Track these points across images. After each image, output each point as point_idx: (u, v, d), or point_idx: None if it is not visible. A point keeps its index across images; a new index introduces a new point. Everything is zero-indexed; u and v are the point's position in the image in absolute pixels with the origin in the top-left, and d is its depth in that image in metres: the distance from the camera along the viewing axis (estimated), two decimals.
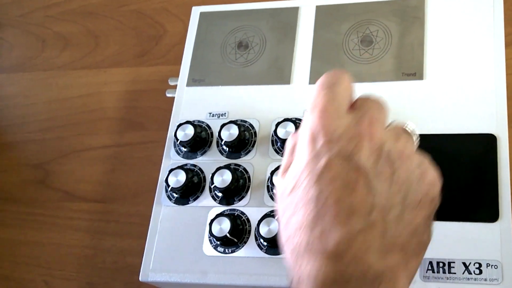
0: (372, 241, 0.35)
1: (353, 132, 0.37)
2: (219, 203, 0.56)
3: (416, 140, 0.42)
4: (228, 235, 0.52)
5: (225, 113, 0.60)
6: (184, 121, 0.59)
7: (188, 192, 0.57)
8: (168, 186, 0.56)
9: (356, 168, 0.36)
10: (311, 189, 0.36)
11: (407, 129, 0.41)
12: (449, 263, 0.48)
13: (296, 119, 0.57)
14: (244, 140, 0.58)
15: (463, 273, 0.48)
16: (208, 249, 0.54)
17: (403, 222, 0.36)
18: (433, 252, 0.49)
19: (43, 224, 0.72)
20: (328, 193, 0.35)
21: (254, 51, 0.63)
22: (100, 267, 0.68)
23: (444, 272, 0.48)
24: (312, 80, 0.59)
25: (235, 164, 0.57)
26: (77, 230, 0.71)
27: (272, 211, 0.54)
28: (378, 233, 0.35)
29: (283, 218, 0.38)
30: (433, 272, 0.48)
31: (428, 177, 0.39)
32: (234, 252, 0.53)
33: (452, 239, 0.49)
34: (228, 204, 0.56)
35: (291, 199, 0.37)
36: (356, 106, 0.40)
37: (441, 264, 0.48)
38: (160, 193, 0.58)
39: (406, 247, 0.36)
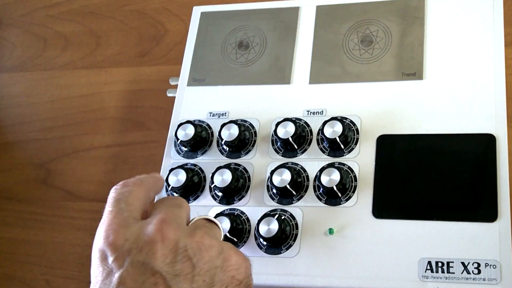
0: None
1: (144, 240, 0.38)
2: (219, 203, 0.56)
3: (221, 229, 0.44)
4: (228, 234, 0.53)
5: (225, 113, 0.60)
6: (185, 120, 0.59)
7: (188, 192, 0.57)
8: (169, 185, 0.56)
9: (153, 273, 0.37)
10: None
11: (210, 219, 0.43)
12: (448, 263, 0.48)
13: (296, 119, 0.57)
14: (244, 140, 0.58)
15: (461, 273, 0.48)
16: None
17: None
18: (432, 252, 0.49)
19: (45, 223, 0.73)
20: None
21: (255, 51, 0.63)
22: None
23: (443, 271, 0.48)
24: (313, 80, 0.60)
25: (235, 164, 0.57)
26: (78, 230, 0.71)
27: (272, 211, 0.54)
28: None
29: None
30: (432, 271, 0.48)
31: (231, 262, 0.40)
32: None
33: (451, 239, 0.49)
34: (228, 203, 0.56)
35: None
36: (151, 210, 0.41)
37: (440, 264, 0.49)
38: (161, 193, 0.58)
39: None
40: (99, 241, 0.39)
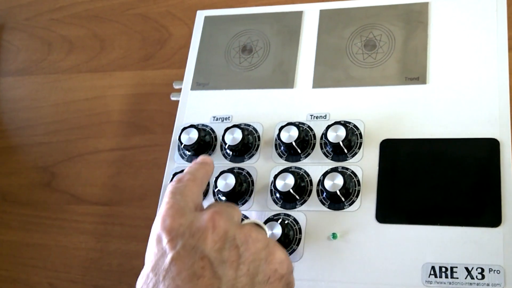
0: None
1: (196, 227, 0.41)
2: None
3: (267, 232, 0.47)
4: None
5: (229, 117, 0.61)
6: (188, 124, 0.59)
7: None
8: None
9: (201, 257, 0.40)
10: (159, 286, 0.39)
11: (259, 224, 0.46)
12: (452, 268, 0.48)
13: (300, 123, 0.57)
14: (248, 144, 0.58)
15: (465, 278, 0.48)
16: None
17: None
18: (436, 257, 0.49)
19: (49, 227, 0.73)
20: (175, 287, 0.38)
21: (258, 55, 0.63)
22: (105, 269, 0.69)
23: (446, 277, 0.48)
24: (316, 84, 0.60)
25: (239, 168, 0.57)
26: (83, 233, 0.71)
27: (275, 215, 0.54)
28: None
29: None
30: (436, 277, 0.48)
31: (275, 256, 0.43)
32: None
33: (454, 244, 0.49)
34: None
35: None
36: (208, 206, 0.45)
37: (443, 269, 0.48)
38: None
39: None
40: (156, 226, 0.42)
